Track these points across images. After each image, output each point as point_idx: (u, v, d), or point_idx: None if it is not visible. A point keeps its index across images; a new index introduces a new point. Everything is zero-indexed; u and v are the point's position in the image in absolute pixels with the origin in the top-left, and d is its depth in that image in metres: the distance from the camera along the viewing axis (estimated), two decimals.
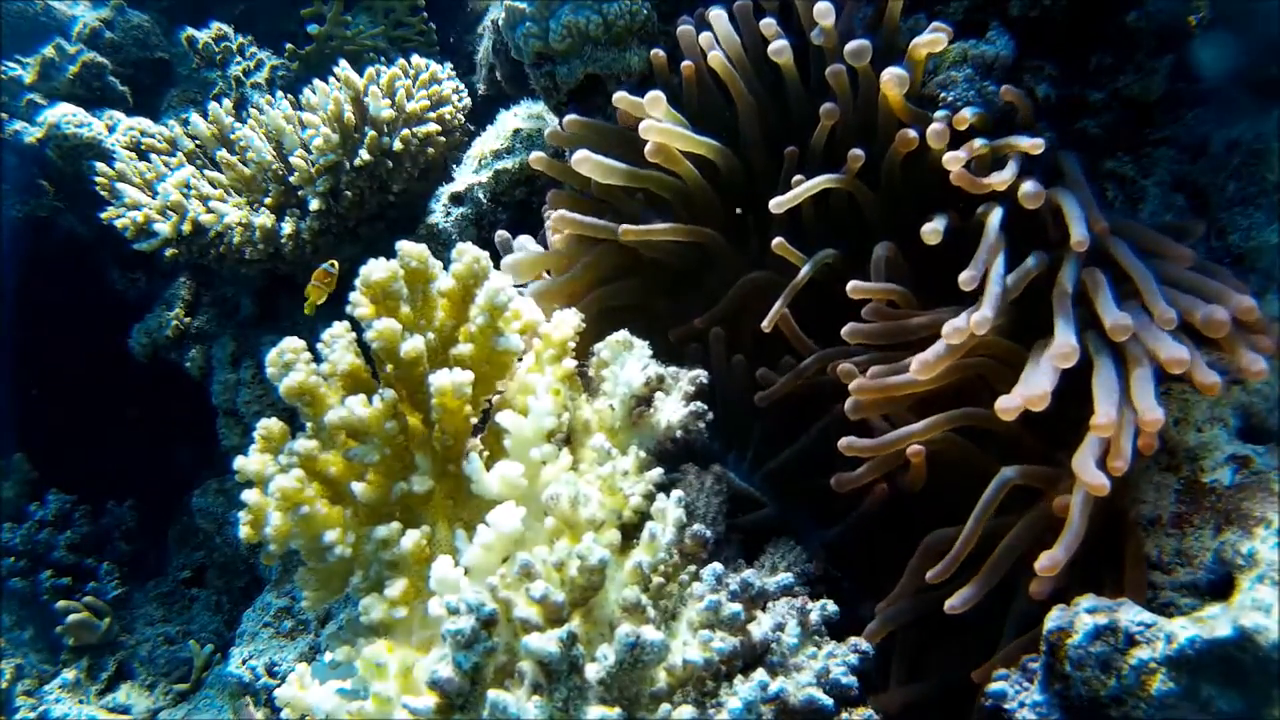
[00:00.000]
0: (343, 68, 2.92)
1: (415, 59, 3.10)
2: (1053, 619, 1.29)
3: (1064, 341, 1.36)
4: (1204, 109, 1.72)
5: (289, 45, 3.96)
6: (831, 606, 1.43)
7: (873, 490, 1.64)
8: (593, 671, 1.24)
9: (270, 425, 1.65)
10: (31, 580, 3.72)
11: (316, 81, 2.94)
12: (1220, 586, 1.32)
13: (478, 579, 1.43)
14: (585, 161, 1.81)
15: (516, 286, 1.81)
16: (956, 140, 1.58)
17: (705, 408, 1.59)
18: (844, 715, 1.34)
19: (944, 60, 1.69)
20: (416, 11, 3.95)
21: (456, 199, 2.80)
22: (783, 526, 1.70)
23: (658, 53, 1.94)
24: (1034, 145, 1.54)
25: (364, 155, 2.84)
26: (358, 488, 1.57)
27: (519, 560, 1.33)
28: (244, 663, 2.94)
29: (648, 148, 1.77)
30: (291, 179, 2.94)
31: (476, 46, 3.48)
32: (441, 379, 1.54)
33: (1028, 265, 1.51)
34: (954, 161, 1.54)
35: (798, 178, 1.70)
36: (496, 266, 1.75)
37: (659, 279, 1.96)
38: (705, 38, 1.80)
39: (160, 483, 3.92)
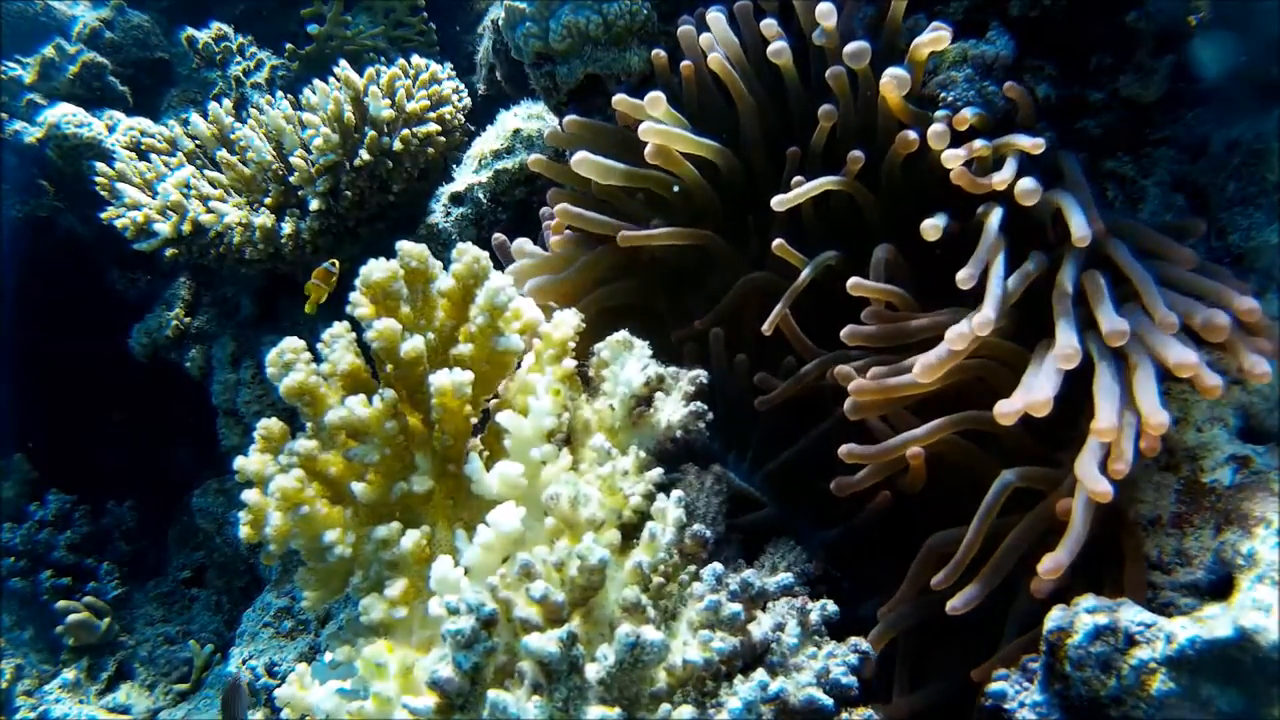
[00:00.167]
0: (343, 68, 2.91)
1: (415, 59, 3.10)
2: (1053, 619, 1.29)
3: (1066, 343, 1.36)
4: (1204, 109, 1.72)
5: (289, 45, 3.96)
6: (831, 606, 1.43)
7: (875, 497, 1.63)
8: (593, 671, 1.24)
9: (270, 425, 1.66)
10: (31, 580, 3.72)
11: (316, 81, 2.93)
12: (1220, 586, 1.32)
13: (478, 579, 1.43)
14: (585, 162, 1.81)
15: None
16: (957, 141, 1.58)
17: (705, 408, 1.58)
18: (844, 715, 1.34)
19: (944, 60, 1.68)
20: (416, 11, 3.96)
21: (456, 199, 2.80)
22: (783, 527, 1.70)
23: (658, 53, 1.94)
24: (1034, 144, 1.54)
25: (364, 155, 2.83)
26: (358, 488, 1.57)
27: (519, 560, 1.33)
28: (244, 663, 2.94)
29: (648, 149, 1.77)
30: (291, 179, 2.94)
31: (476, 46, 3.48)
32: (441, 379, 1.54)
33: (1028, 268, 1.51)
34: (954, 160, 1.54)
35: (798, 179, 1.70)
36: (496, 267, 1.75)
37: (659, 279, 1.96)
38: (705, 38, 1.80)
39: (160, 483, 3.91)
